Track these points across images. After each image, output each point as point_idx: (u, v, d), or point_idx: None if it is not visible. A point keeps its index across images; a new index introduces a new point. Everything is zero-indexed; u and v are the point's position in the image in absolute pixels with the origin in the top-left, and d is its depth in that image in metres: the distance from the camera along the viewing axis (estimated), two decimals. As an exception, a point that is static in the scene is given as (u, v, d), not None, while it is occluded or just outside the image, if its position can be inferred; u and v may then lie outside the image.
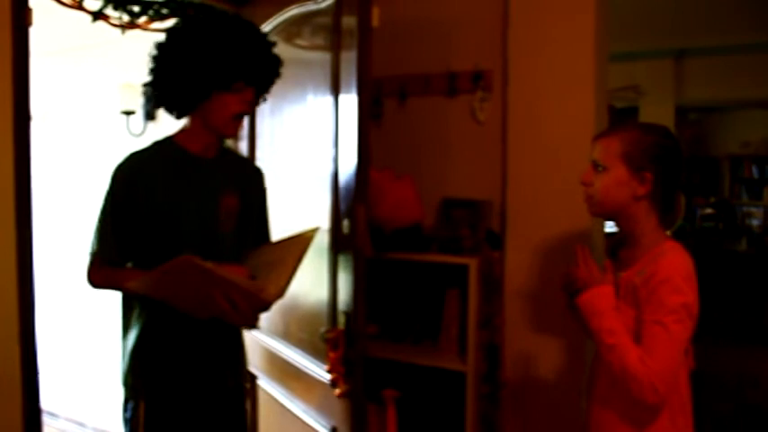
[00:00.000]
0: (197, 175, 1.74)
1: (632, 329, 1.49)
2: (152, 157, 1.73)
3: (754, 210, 8.31)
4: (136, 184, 1.67)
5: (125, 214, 1.68)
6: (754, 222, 8.23)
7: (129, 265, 1.72)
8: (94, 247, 1.71)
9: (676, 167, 1.56)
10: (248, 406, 2.06)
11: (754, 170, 8.30)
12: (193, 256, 1.47)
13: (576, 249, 1.61)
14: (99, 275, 1.72)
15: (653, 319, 1.44)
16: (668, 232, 1.62)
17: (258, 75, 1.71)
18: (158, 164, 1.72)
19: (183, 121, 1.77)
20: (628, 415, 1.53)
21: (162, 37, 1.69)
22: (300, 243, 1.68)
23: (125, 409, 1.76)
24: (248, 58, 1.66)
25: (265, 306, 1.67)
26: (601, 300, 1.52)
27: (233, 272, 1.60)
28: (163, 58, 1.66)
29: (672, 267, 1.47)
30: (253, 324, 1.75)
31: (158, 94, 1.71)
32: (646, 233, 1.56)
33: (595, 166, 1.58)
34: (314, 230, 1.70)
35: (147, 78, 1.71)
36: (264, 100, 1.84)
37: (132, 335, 1.75)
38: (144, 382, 1.73)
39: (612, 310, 1.51)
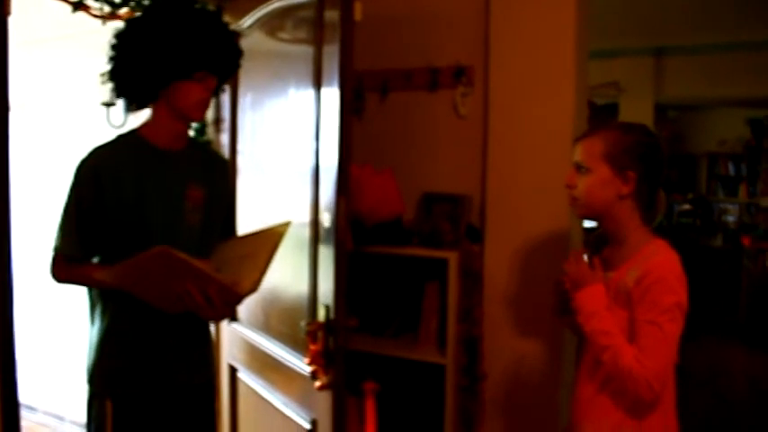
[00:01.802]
0: (162, 168, 1.73)
1: (625, 330, 1.51)
2: (116, 151, 1.72)
3: (729, 206, 8.43)
4: (100, 178, 1.66)
5: (89, 209, 1.66)
6: (730, 219, 8.36)
7: (96, 260, 1.71)
8: (57, 243, 1.70)
9: (658, 165, 1.58)
10: (226, 402, 2.06)
11: (731, 167, 8.42)
12: (169, 247, 1.46)
13: (571, 252, 1.63)
14: (63, 271, 1.71)
15: (647, 318, 1.46)
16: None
17: (220, 64, 1.70)
18: (122, 157, 1.70)
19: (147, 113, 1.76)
20: (622, 403, 1.54)
21: (121, 25, 1.68)
22: (273, 237, 1.68)
23: (90, 407, 1.74)
24: (209, 48, 1.65)
25: (238, 300, 1.66)
26: (594, 299, 1.54)
27: (203, 265, 1.58)
28: (122, 47, 1.65)
29: (664, 267, 1.49)
30: (225, 317, 1.74)
31: (118, 84, 1.70)
32: (631, 232, 1.58)
33: (578, 167, 1.60)
34: (286, 224, 1.70)
35: (106, 67, 1.69)
36: (223, 91, 1.84)
37: (96, 331, 1.73)
38: (109, 379, 1.71)
39: (605, 310, 1.53)
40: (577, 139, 1.64)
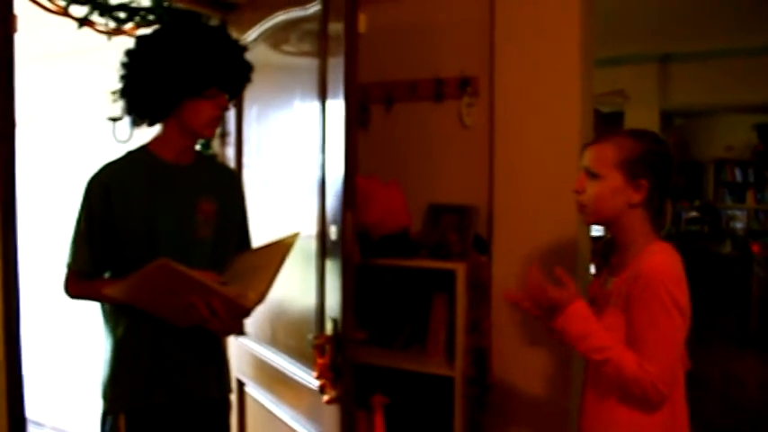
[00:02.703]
0: (172, 182, 1.73)
1: (628, 334, 1.49)
2: (126, 167, 1.73)
3: (737, 213, 8.39)
4: (110, 194, 1.66)
5: (100, 225, 1.67)
6: (738, 225, 8.32)
7: (107, 275, 1.71)
8: (69, 259, 1.71)
9: (669, 173, 1.57)
10: (234, 416, 2.05)
11: (738, 174, 8.38)
12: (170, 259, 1.46)
13: (555, 270, 1.59)
14: (75, 287, 1.72)
15: (644, 320, 1.45)
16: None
17: (230, 80, 1.71)
18: (132, 173, 1.71)
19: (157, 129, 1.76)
20: (629, 403, 1.52)
21: (132, 44, 1.69)
22: (281, 249, 1.68)
23: (103, 423, 1.73)
24: (219, 64, 1.66)
25: (245, 312, 1.66)
26: (576, 321, 1.51)
27: (205, 277, 1.58)
28: (132, 66, 1.67)
29: (657, 267, 1.47)
30: (234, 331, 1.74)
31: (129, 102, 1.71)
32: (638, 239, 1.56)
33: (589, 173, 1.58)
34: (294, 236, 1.70)
35: (118, 86, 1.70)
36: (227, 109, 1.85)
37: (110, 345, 1.73)
38: (123, 394, 1.71)
39: (593, 324, 1.50)
40: (587, 145, 1.62)
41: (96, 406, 1.77)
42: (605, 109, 6.67)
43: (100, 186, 1.68)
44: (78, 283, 1.71)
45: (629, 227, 1.57)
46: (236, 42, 1.76)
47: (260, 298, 1.63)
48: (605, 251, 1.71)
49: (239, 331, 1.89)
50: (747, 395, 4.79)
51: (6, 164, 1.69)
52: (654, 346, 1.44)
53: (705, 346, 5.77)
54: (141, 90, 1.66)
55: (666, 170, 1.56)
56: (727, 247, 7.98)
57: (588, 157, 1.59)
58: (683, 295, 1.47)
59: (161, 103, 1.67)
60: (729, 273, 7.24)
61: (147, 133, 1.80)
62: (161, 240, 1.68)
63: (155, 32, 1.70)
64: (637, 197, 1.54)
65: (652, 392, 1.43)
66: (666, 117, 7.37)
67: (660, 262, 1.48)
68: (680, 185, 8.45)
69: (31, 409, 1.80)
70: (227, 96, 1.72)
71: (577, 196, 1.61)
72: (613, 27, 4.91)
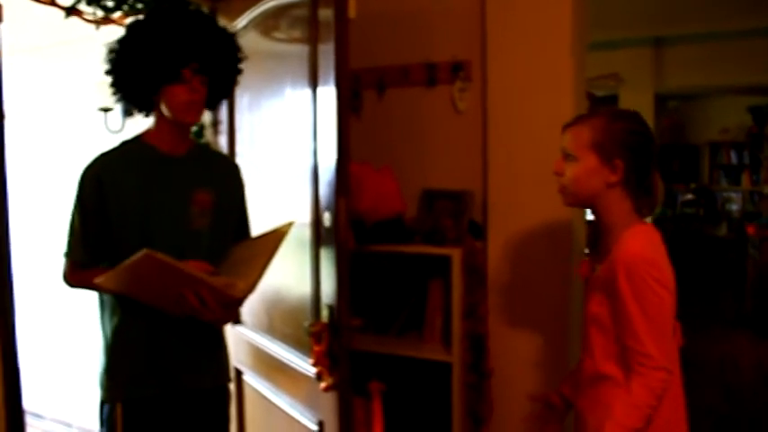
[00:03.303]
0: (166, 172, 1.73)
1: (613, 318, 1.51)
2: (119, 157, 1.73)
3: (733, 195, 8.42)
4: (103, 185, 1.67)
5: (93, 216, 1.67)
6: (734, 207, 8.35)
7: (105, 265, 1.71)
8: (66, 249, 1.72)
9: (647, 152, 1.56)
10: (232, 407, 2.05)
11: (733, 156, 8.41)
12: (153, 250, 1.45)
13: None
14: (73, 276, 1.73)
15: (636, 310, 1.45)
16: (648, 219, 1.63)
17: (206, 60, 1.68)
18: (126, 163, 1.71)
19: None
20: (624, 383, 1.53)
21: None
22: (275, 238, 1.68)
23: (101, 412, 1.74)
24: (191, 44, 1.64)
25: (235, 302, 1.66)
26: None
27: (194, 267, 1.58)
28: (114, 53, 1.68)
29: (635, 254, 1.47)
30: (227, 321, 1.74)
31: (114, 90, 1.72)
32: (618, 221, 1.56)
33: (566, 155, 1.59)
34: (289, 225, 1.70)
35: (102, 74, 1.72)
36: (226, 95, 1.83)
37: (107, 334, 1.74)
38: (119, 384, 1.72)
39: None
40: (565, 127, 1.62)
41: (95, 397, 1.78)
42: (599, 92, 6.65)
43: (93, 178, 1.68)
44: (76, 273, 1.72)
45: (608, 208, 1.57)
46: (213, 22, 1.75)
47: (249, 288, 1.62)
48: (593, 237, 1.72)
49: (233, 320, 1.89)
50: (743, 377, 4.81)
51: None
52: (649, 333, 1.45)
53: (701, 329, 5.80)
54: (122, 76, 1.68)
55: (645, 149, 1.55)
56: (722, 230, 8.01)
57: (566, 140, 1.60)
58: (664, 274, 1.48)
59: (141, 90, 1.67)
60: (725, 255, 7.27)
61: (140, 123, 1.79)
62: (154, 232, 1.68)
63: (134, 20, 1.71)
64: (613, 177, 1.54)
65: (664, 377, 1.45)
66: (661, 100, 7.36)
67: (635, 248, 1.48)
68: (675, 168, 8.47)
69: (30, 401, 1.81)
70: (204, 79, 1.69)
71: (557, 179, 1.62)
72: (607, 10, 4.89)
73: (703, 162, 8.60)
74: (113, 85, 1.71)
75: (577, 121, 1.60)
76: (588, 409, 1.63)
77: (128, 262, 1.48)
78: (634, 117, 1.58)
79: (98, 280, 1.57)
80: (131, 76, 1.65)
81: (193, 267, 1.58)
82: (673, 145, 8.46)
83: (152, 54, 1.62)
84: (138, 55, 1.63)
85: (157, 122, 1.74)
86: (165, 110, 1.69)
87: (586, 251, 1.64)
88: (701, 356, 5.04)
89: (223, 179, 1.85)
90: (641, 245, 1.49)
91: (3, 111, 1.69)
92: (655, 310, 1.45)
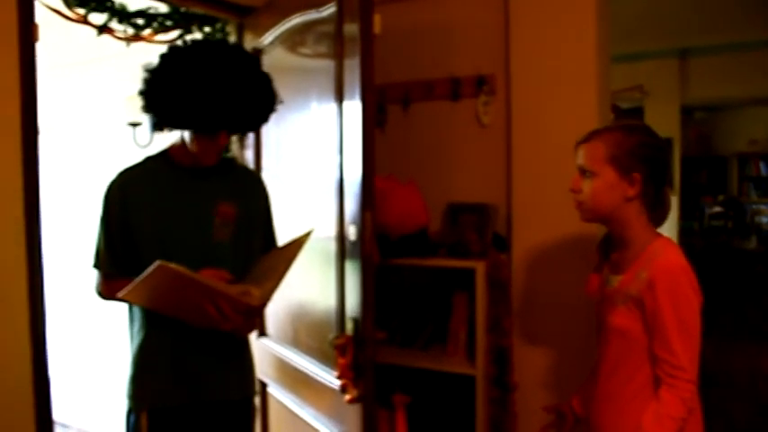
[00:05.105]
0: (189, 185, 1.75)
1: (642, 328, 1.51)
2: (142, 172, 1.76)
3: (763, 207, 8.27)
4: (126, 199, 1.70)
5: (118, 230, 1.70)
6: (764, 220, 8.19)
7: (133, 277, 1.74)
8: (95, 262, 1.75)
9: (663, 164, 1.57)
10: (257, 419, 2.06)
11: (762, 167, 8.27)
12: (167, 262, 1.46)
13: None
14: (104, 288, 1.76)
15: (674, 322, 1.46)
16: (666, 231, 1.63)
17: (235, 129, 1.71)
18: (148, 178, 1.74)
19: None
20: (646, 389, 1.53)
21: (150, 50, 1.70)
22: (294, 247, 1.70)
23: (127, 421, 1.76)
24: (224, 114, 1.62)
25: (253, 311, 1.67)
26: None
27: (210, 277, 1.60)
28: (147, 89, 1.66)
29: (672, 266, 1.49)
30: (247, 330, 1.75)
31: (145, 108, 1.71)
32: (638, 234, 1.57)
33: (582, 172, 1.59)
34: (308, 234, 1.71)
35: (133, 90, 1.74)
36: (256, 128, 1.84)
37: (134, 345, 1.77)
38: (144, 394, 1.74)
39: None
40: (579, 143, 1.63)
41: (121, 407, 1.80)
42: (624, 105, 6.61)
43: (116, 192, 1.72)
44: (107, 285, 1.75)
45: (626, 221, 1.57)
46: (257, 78, 1.70)
47: (265, 295, 1.64)
48: (604, 247, 1.71)
49: (255, 331, 1.90)
50: (776, 393, 4.71)
51: (30, 170, 1.73)
52: (683, 345, 1.46)
53: (730, 343, 5.69)
54: (154, 107, 1.66)
55: (659, 161, 1.56)
56: (752, 243, 7.86)
57: (581, 156, 1.60)
58: (695, 281, 1.50)
59: (170, 123, 1.67)
60: (754, 268, 7.13)
61: (168, 138, 1.82)
62: (174, 245, 1.70)
63: (179, 53, 1.64)
64: (632, 191, 1.54)
65: (694, 389, 1.47)
66: (687, 112, 7.29)
67: (675, 259, 1.50)
68: (702, 180, 8.35)
69: (57, 411, 1.84)
70: (226, 134, 1.69)
71: (574, 195, 1.61)
72: (631, 22, 4.86)
73: (731, 174, 8.47)
74: (144, 108, 1.70)
75: (591, 136, 1.60)
76: (607, 422, 1.62)
77: (144, 274, 1.49)
78: (647, 130, 1.59)
79: (120, 293, 1.59)
80: (163, 111, 1.65)
81: (209, 277, 1.59)
82: (699, 157, 8.36)
83: (188, 111, 1.60)
84: (173, 101, 1.61)
85: (183, 138, 1.75)
86: (186, 139, 1.71)
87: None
88: (731, 370, 4.94)
89: (246, 192, 1.87)
90: (678, 255, 1.51)
91: (37, 126, 1.74)
92: (692, 321, 1.47)
